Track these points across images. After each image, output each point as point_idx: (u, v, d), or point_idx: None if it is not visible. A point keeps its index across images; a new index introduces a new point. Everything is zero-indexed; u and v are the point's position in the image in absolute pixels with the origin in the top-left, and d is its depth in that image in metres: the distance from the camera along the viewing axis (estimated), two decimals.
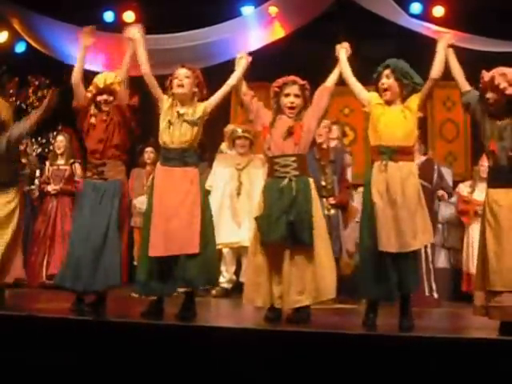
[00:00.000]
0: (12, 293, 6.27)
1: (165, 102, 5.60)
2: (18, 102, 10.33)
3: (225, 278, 8.02)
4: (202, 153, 7.26)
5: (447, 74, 10.78)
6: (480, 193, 8.34)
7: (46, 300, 6.97)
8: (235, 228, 7.95)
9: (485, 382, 4.42)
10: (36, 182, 8.59)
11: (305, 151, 5.53)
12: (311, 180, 5.54)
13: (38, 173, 8.67)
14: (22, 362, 4.73)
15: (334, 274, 5.41)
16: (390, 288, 5.17)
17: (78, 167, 8.65)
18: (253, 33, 10.41)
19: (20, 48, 10.95)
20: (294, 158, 5.43)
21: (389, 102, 5.40)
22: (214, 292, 7.91)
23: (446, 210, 8.89)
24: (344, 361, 4.56)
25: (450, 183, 8.79)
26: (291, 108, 5.53)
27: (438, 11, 10.23)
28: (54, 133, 9.42)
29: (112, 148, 5.69)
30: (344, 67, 5.76)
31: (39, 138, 10.01)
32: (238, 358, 4.60)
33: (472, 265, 8.35)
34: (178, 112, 5.49)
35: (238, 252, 8.01)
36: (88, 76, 10.17)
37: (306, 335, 4.85)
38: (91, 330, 4.95)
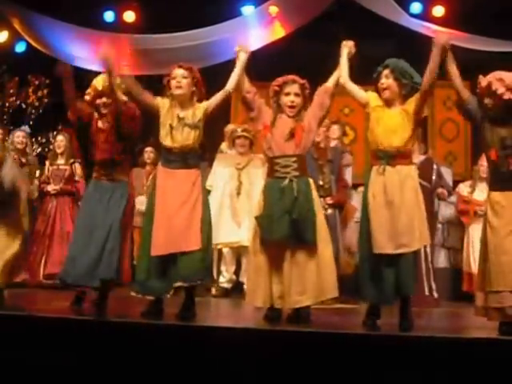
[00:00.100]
0: (11, 293, 6.27)
1: (162, 105, 5.56)
2: (18, 102, 10.33)
3: (225, 277, 8.03)
4: (202, 152, 7.25)
5: (448, 74, 10.79)
6: (480, 192, 8.35)
7: (44, 300, 6.98)
8: (235, 228, 7.95)
9: (484, 381, 4.42)
10: (35, 182, 8.58)
11: (305, 151, 5.53)
12: (311, 180, 5.55)
13: (37, 173, 8.66)
14: (22, 361, 4.74)
15: (335, 274, 5.42)
16: (388, 291, 5.16)
17: (77, 167, 8.65)
18: (253, 32, 10.40)
19: (20, 48, 10.95)
20: (294, 159, 5.43)
21: (388, 102, 5.39)
22: (213, 292, 7.92)
23: (446, 210, 8.89)
24: (344, 360, 4.56)
25: (450, 183, 8.79)
26: (291, 107, 5.53)
27: (438, 11, 10.24)
28: (54, 132, 9.41)
29: (119, 150, 5.70)
30: (343, 69, 5.74)
31: (39, 138, 10.01)
32: (237, 357, 4.61)
33: (473, 264, 8.37)
34: (178, 116, 5.48)
35: (238, 252, 8.01)
36: (88, 76, 10.20)
37: (306, 335, 4.86)
38: (91, 330, 4.96)
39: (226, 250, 8.02)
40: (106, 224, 5.55)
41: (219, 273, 8.06)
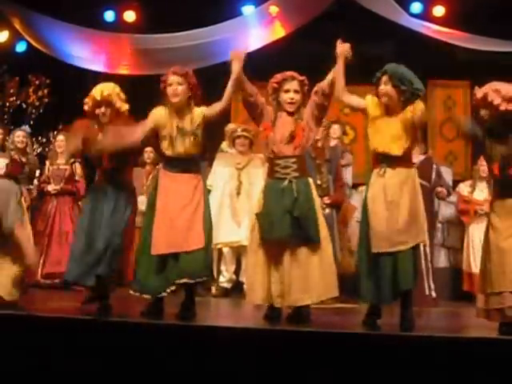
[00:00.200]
0: None
1: (159, 118, 5.55)
2: (18, 102, 10.33)
3: (225, 277, 8.02)
4: (202, 152, 7.25)
5: (448, 73, 10.81)
6: (480, 192, 8.36)
7: (43, 299, 6.97)
8: (235, 227, 7.95)
9: (485, 381, 4.42)
10: (35, 181, 8.57)
11: (304, 151, 5.54)
12: (311, 180, 5.55)
13: (37, 173, 8.66)
14: (21, 361, 4.75)
15: (335, 273, 5.42)
16: (387, 290, 5.16)
17: (78, 167, 8.65)
18: (253, 32, 10.42)
19: (21, 47, 10.95)
20: (294, 160, 5.43)
21: (387, 108, 5.33)
22: (213, 291, 7.92)
23: (446, 210, 8.89)
24: (344, 360, 4.56)
25: (450, 182, 8.79)
26: (291, 103, 5.51)
27: (439, 11, 10.24)
28: (55, 132, 9.42)
29: (122, 159, 5.69)
30: (338, 82, 5.60)
31: (39, 138, 10.01)
32: (238, 357, 4.61)
33: (473, 264, 8.38)
34: (177, 126, 5.48)
35: (238, 251, 8.00)
36: (89, 76, 10.22)
37: (307, 334, 4.86)
38: (91, 330, 4.96)
39: (225, 250, 8.02)
40: (109, 228, 5.55)
41: (219, 272, 8.06)
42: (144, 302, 5.50)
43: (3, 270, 5.90)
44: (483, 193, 8.37)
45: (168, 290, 5.37)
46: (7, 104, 10.26)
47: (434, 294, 7.73)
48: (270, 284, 5.36)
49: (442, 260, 8.94)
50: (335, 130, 8.92)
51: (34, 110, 10.35)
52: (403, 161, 5.28)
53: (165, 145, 5.50)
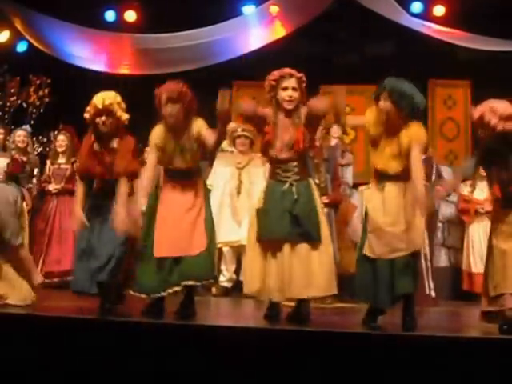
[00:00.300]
0: None
1: (158, 136, 5.55)
2: (19, 101, 10.33)
3: (225, 276, 8.02)
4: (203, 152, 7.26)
5: (448, 72, 10.81)
6: (480, 191, 8.36)
7: (42, 299, 6.96)
8: (235, 227, 7.95)
9: (485, 381, 4.42)
10: (34, 180, 8.58)
11: (305, 153, 5.52)
12: (311, 181, 5.56)
13: (35, 171, 8.67)
14: (22, 361, 4.75)
15: (334, 272, 5.42)
16: (384, 294, 5.14)
17: None
18: (254, 32, 10.43)
19: (21, 47, 10.97)
20: (295, 164, 5.40)
21: (388, 125, 5.23)
22: (214, 291, 7.92)
23: (446, 209, 8.89)
24: (344, 360, 4.57)
25: None
26: (289, 101, 5.43)
27: (439, 10, 10.25)
28: (55, 132, 9.42)
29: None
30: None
31: (40, 137, 10.01)
32: (238, 356, 4.61)
33: (472, 264, 8.39)
34: (176, 144, 5.49)
35: (238, 251, 8.00)
36: (89, 76, 10.23)
37: (307, 334, 4.87)
38: (91, 329, 4.97)
39: (226, 249, 8.02)
40: (110, 238, 5.55)
41: (219, 272, 8.05)
42: (145, 301, 5.50)
43: (9, 274, 5.94)
44: (483, 192, 8.35)
45: (170, 291, 5.38)
46: (8, 104, 10.26)
47: (433, 294, 7.73)
48: (268, 278, 5.34)
49: (443, 259, 8.94)
50: (336, 129, 8.91)
51: (34, 110, 10.35)
52: (403, 175, 5.24)
53: (164, 160, 5.53)
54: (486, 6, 9.73)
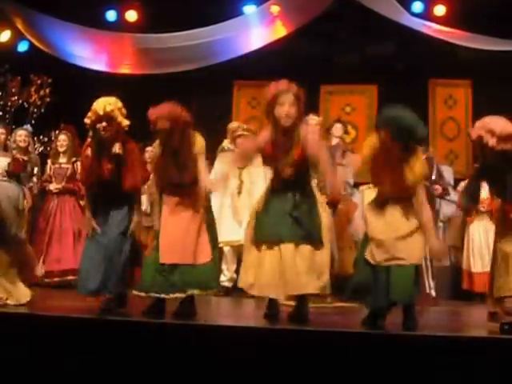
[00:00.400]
0: None
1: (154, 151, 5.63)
2: (20, 101, 10.34)
3: (225, 276, 8.03)
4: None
5: (449, 72, 10.81)
6: (481, 190, 8.35)
7: (43, 298, 6.97)
8: (236, 226, 7.95)
9: (485, 380, 4.42)
10: (34, 179, 8.59)
11: (305, 168, 5.47)
12: (314, 184, 5.57)
13: (36, 170, 8.68)
14: (22, 361, 4.76)
15: (328, 272, 5.43)
16: (382, 298, 5.13)
17: (79, 166, 8.66)
18: (254, 31, 10.44)
19: (22, 47, 10.97)
20: (295, 178, 5.38)
21: (386, 155, 5.15)
22: None
23: (447, 208, 8.89)
24: (344, 359, 4.57)
25: (451, 181, 8.79)
26: (287, 117, 5.31)
27: (440, 10, 10.24)
28: (56, 131, 9.42)
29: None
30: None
31: (41, 137, 10.03)
32: (238, 356, 4.62)
33: (472, 263, 8.40)
34: (172, 160, 5.51)
35: (239, 250, 7.99)
36: (90, 75, 10.23)
37: (307, 333, 4.87)
38: (92, 329, 4.97)
39: (226, 249, 8.03)
40: (111, 240, 5.58)
41: (220, 271, 8.07)
42: (145, 302, 5.51)
43: (9, 274, 5.95)
44: (484, 191, 8.35)
45: (173, 296, 5.40)
46: (9, 103, 10.27)
47: (433, 293, 7.73)
48: (263, 274, 5.33)
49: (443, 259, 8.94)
50: (337, 128, 8.93)
51: (35, 110, 10.35)
52: (403, 197, 5.22)
53: (161, 176, 5.58)
54: (486, 5, 9.74)
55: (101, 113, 5.51)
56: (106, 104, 5.54)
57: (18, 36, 10.76)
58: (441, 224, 8.87)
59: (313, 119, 7.70)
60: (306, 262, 5.28)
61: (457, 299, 8.36)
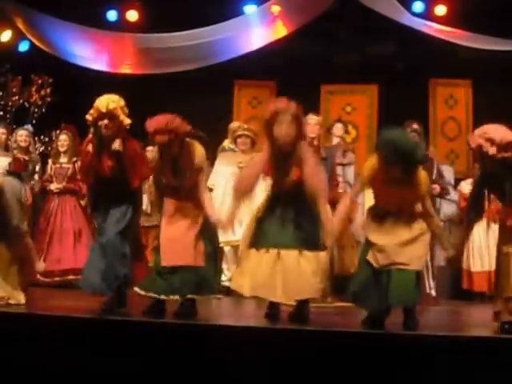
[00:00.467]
0: None
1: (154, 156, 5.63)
2: (21, 101, 10.35)
3: (226, 276, 8.01)
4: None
5: (450, 71, 10.81)
6: None
7: (43, 298, 6.98)
8: (236, 226, 7.92)
9: (486, 380, 4.43)
10: (36, 177, 8.60)
11: (304, 185, 5.42)
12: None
13: (38, 167, 8.69)
14: (23, 360, 4.76)
15: (328, 277, 5.45)
16: (382, 302, 5.13)
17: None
18: (255, 31, 10.44)
19: (23, 47, 10.97)
20: (295, 195, 5.39)
21: (386, 176, 5.15)
22: None
23: (447, 208, 8.89)
24: (344, 359, 4.57)
25: (452, 181, 8.79)
26: (285, 137, 5.27)
27: (440, 10, 10.24)
28: (57, 131, 9.43)
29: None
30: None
31: (42, 136, 10.03)
32: (238, 355, 4.62)
33: (472, 262, 8.41)
34: (171, 166, 5.51)
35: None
36: (91, 75, 10.24)
37: (307, 333, 4.87)
38: (92, 328, 4.98)
39: (227, 249, 8.02)
40: (109, 240, 5.59)
41: (221, 271, 8.06)
42: (146, 301, 5.52)
43: (10, 275, 5.95)
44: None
45: (172, 298, 5.42)
46: (10, 103, 10.28)
47: (433, 293, 7.73)
48: (257, 276, 5.33)
49: (444, 258, 8.94)
50: (338, 128, 8.93)
51: (36, 109, 10.36)
52: (409, 208, 5.25)
53: (160, 180, 5.58)
54: (487, 5, 9.74)
55: (103, 110, 5.50)
56: (108, 101, 5.53)
57: (18, 36, 10.76)
58: (441, 223, 8.87)
59: (312, 119, 7.70)
60: (311, 267, 5.30)
61: (457, 299, 8.37)
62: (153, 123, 5.37)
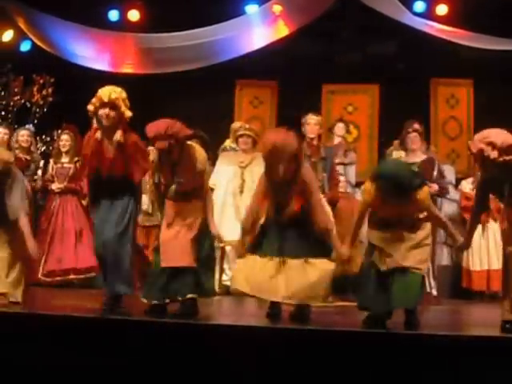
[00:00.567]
0: None
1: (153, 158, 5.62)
2: (22, 101, 10.36)
3: (227, 275, 8.03)
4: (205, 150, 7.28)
5: (451, 71, 10.82)
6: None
7: (45, 297, 6.99)
8: (238, 226, 7.92)
9: (486, 379, 4.43)
10: (39, 172, 8.62)
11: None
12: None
13: (41, 163, 8.72)
14: (23, 360, 4.77)
15: (329, 283, 5.47)
16: (385, 303, 5.14)
17: None
18: (257, 31, 10.45)
19: (25, 47, 10.98)
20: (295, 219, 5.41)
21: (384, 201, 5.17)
22: (216, 289, 7.92)
23: (448, 207, 8.90)
24: (345, 358, 4.58)
25: (453, 180, 8.80)
26: (283, 177, 5.27)
27: (442, 9, 10.25)
28: (59, 131, 9.44)
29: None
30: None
31: (43, 136, 10.04)
32: (239, 355, 4.62)
33: (471, 261, 8.42)
34: (171, 169, 5.52)
35: None
36: (93, 75, 10.25)
37: (308, 333, 4.88)
38: (94, 328, 4.99)
39: (228, 249, 8.02)
40: (109, 240, 5.59)
41: (222, 271, 8.09)
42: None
43: (10, 271, 5.96)
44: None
45: (175, 299, 5.46)
46: (11, 103, 10.29)
47: (434, 292, 7.73)
48: (257, 277, 5.35)
49: (445, 258, 8.96)
50: (339, 128, 8.95)
51: (38, 109, 10.37)
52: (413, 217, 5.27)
53: (160, 182, 5.59)
54: (488, 4, 9.74)
55: (105, 100, 5.49)
56: (111, 91, 5.52)
57: (20, 36, 10.77)
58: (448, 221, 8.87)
59: (312, 118, 7.72)
60: (316, 273, 5.32)
61: (457, 298, 8.37)
62: (152, 128, 5.36)
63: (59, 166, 8.69)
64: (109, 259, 5.50)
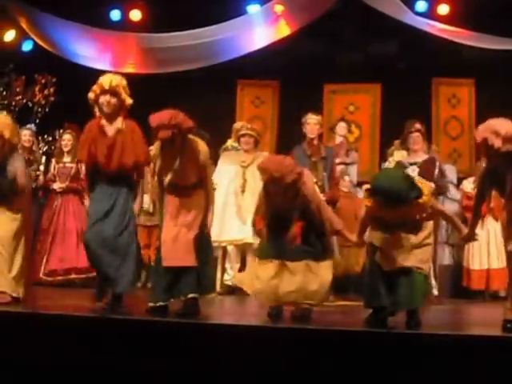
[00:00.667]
0: None
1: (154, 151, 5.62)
2: (24, 101, 10.37)
3: (229, 275, 8.04)
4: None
5: (453, 71, 10.83)
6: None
7: (47, 297, 7.00)
8: (240, 225, 7.96)
9: (487, 379, 4.43)
10: (41, 167, 8.64)
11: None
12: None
13: (43, 159, 8.74)
14: (24, 360, 4.77)
15: (329, 284, 5.51)
16: (388, 303, 5.15)
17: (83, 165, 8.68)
18: (258, 31, 10.45)
19: (27, 46, 11.00)
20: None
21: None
22: (218, 289, 7.93)
23: (450, 207, 8.89)
24: (346, 358, 4.58)
25: (454, 180, 8.80)
26: (282, 204, 5.32)
27: (443, 9, 10.26)
28: (60, 130, 9.46)
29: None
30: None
31: (45, 136, 10.05)
32: (241, 354, 4.63)
33: (471, 261, 8.42)
34: (173, 162, 5.50)
35: (243, 249, 8.02)
36: (95, 75, 10.26)
37: (309, 332, 4.88)
38: (95, 327, 4.99)
39: (230, 248, 8.04)
40: (109, 238, 5.59)
41: (224, 270, 8.10)
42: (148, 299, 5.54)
43: (9, 266, 5.96)
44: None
45: (177, 299, 5.47)
46: (13, 103, 10.30)
47: (435, 292, 7.73)
48: (262, 281, 5.40)
49: (446, 257, 8.96)
50: (341, 127, 8.96)
51: (40, 109, 10.38)
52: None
53: (165, 176, 5.56)
54: (490, 4, 9.75)
55: (106, 87, 5.52)
56: (112, 78, 5.58)
57: (22, 35, 10.79)
58: (443, 222, 8.87)
59: (312, 118, 7.73)
60: (317, 277, 5.37)
61: (458, 297, 8.37)
62: (156, 118, 5.35)
63: (61, 165, 8.70)
64: (111, 257, 5.51)
